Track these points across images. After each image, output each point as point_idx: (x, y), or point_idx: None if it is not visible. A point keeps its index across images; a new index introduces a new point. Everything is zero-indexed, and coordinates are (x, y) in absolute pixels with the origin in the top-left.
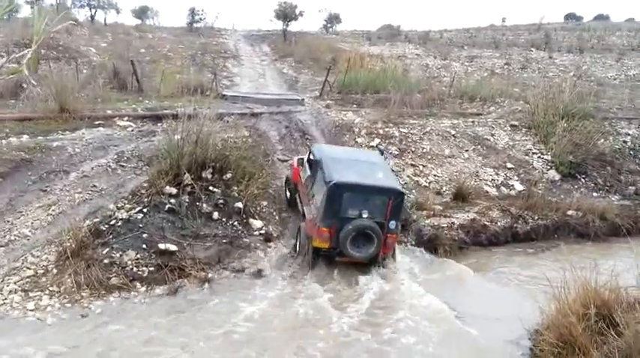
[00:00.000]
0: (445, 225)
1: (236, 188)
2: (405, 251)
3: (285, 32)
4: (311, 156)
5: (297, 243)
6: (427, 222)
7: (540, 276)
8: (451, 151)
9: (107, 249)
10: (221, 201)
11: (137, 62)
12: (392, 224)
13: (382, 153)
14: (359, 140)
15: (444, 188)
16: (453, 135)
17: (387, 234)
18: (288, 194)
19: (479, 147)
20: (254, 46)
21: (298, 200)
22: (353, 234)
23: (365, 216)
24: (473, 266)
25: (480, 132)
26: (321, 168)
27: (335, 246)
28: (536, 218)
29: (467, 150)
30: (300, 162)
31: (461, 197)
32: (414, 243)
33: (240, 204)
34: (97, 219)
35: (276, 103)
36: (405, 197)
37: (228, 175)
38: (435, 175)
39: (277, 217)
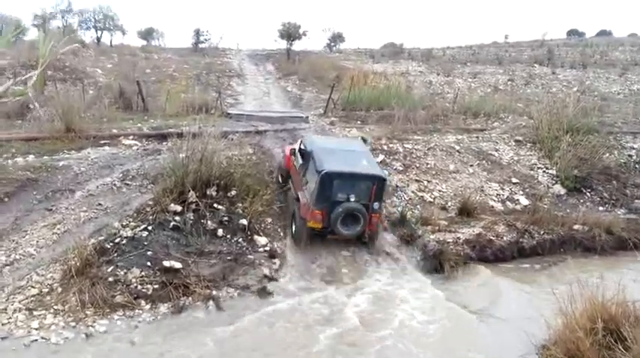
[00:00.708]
0: (451, 240)
1: (240, 205)
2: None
3: (289, 51)
4: (302, 147)
5: (293, 227)
6: (432, 237)
7: (547, 291)
8: (456, 166)
9: (112, 267)
10: (225, 218)
11: (142, 82)
12: (375, 205)
13: (365, 142)
14: None
15: (449, 203)
16: (458, 151)
17: (371, 214)
18: (280, 179)
19: (483, 162)
20: (258, 65)
21: (291, 185)
22: (342, 215)
23: (352, 199)
24: (478, 281)
25: (485, 147)
26: (312, 158)
27: (327, 226)
28: (542, 232)
29: (471, 166)
30: (293, 152)
31: (466, 212)
32: (419, 258)
33: (244, 221)
34: (102, 237)
35: (281, 121)
36: (387, 182)
37: (233, 192)
38: (439, 190)
39: (282, 234)
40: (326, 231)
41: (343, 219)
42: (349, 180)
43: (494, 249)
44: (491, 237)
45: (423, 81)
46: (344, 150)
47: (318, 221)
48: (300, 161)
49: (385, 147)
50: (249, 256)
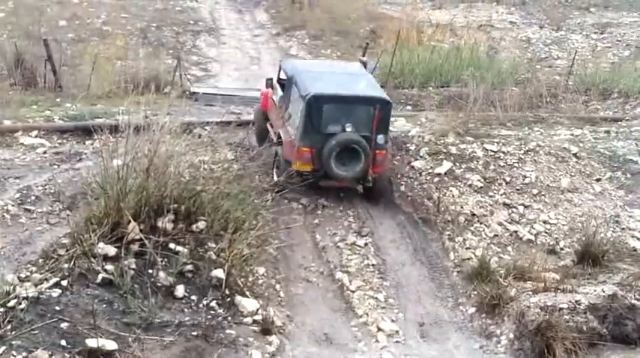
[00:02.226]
0: (565, 306)
1: (214, 245)
2: None
3: None
4: (282, 75)
5: (275, 174)
6: (534, 300)
7: None
8: (572, 182)
9: (3, 348)
10: (189, 266)
11: (54, 42)
12: (380, 139)
13: (365, 66)
14: (417, 164)
15: (562, 243)
16: (575, 155)
17: (375, 150)
18: (259, 135)
19: (619, 174)
20: (243, 12)
21: (270, 127)
22: (337, 149)
23: (349, 129)
24: None
25: (621, 149)
26: (295, 84)
27: (318, 168)
28: None
29: (598, 180)
30: (270, 83)
31: (591, 258)
32: (511, 335)
33: (220, 273)
34: None
35: None
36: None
37: (201, 225)
38: (545, 221)
39: (283, 293)
40: (318, 175)
41: (338, 155)
42: (343, 106)
43: None
44: (636, 302)
45: (517, 38)
46: (335, 72)
47: (307, 161)
48: (280, 92)
49: (453, 149)
50: (229, 331)
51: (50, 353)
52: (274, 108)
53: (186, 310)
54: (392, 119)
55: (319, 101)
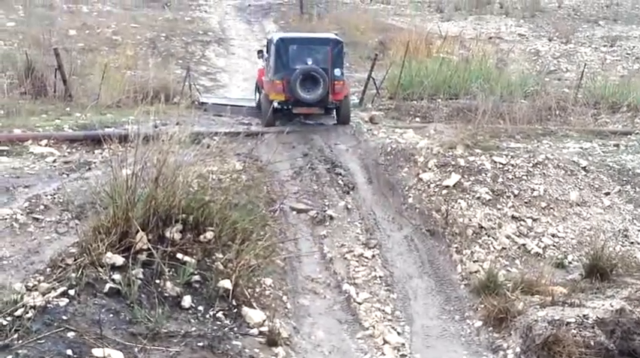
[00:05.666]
0: (572, 321)
1: (221, 256)
2: None
3: (303, 0)
4: (267, 44)
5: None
6: (541, 314)
7: None
8: (580, 195)
9: (10, 357)
10: (196, 277)
11: (64, 52)
12: (337, 71)
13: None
14: (425, 176)
15: (570, 257)
16: (584, 169)
17: (333, 81)
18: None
19: (628, 188)
20: (252, 23)
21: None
22: (301, 76)
23: (310, 63)
24: None
25: (630, 162)
26: (271, 42)
27: (289, 97)
28: None
29: (607, 194)
30: (261, 55)
31: (599, 272)
32: (518, 349)
33: (227, 283)
34: None
35: None
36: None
37: (209, 235)
38: (553, 235)
39: (289, 304)
40: (290, 105)
41: (302, 82)
42: (304, 46)
43: None
44: None
45: (526, 50)
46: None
47: (279, 91)
48: (266, 55)
49: (462, 162)
50: (235, 342)
51: None
52: (263, 69)
53: (192, 320)
54: (400, 131)
55: (285, 42)
